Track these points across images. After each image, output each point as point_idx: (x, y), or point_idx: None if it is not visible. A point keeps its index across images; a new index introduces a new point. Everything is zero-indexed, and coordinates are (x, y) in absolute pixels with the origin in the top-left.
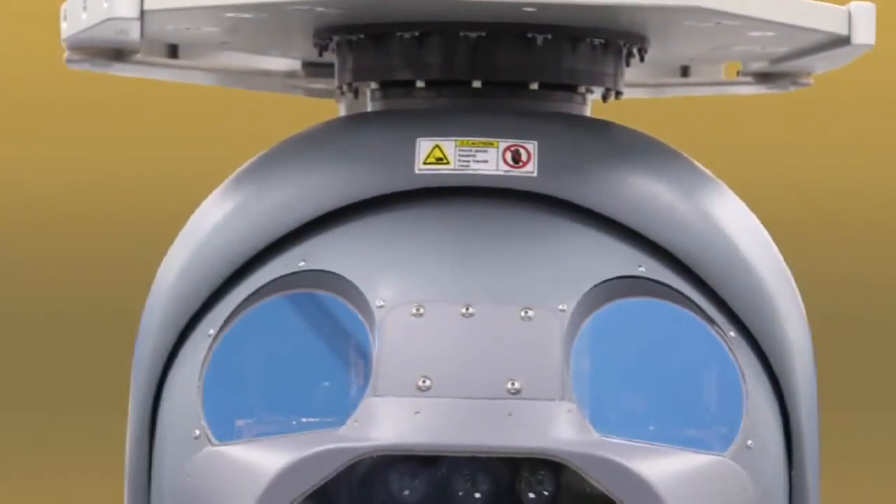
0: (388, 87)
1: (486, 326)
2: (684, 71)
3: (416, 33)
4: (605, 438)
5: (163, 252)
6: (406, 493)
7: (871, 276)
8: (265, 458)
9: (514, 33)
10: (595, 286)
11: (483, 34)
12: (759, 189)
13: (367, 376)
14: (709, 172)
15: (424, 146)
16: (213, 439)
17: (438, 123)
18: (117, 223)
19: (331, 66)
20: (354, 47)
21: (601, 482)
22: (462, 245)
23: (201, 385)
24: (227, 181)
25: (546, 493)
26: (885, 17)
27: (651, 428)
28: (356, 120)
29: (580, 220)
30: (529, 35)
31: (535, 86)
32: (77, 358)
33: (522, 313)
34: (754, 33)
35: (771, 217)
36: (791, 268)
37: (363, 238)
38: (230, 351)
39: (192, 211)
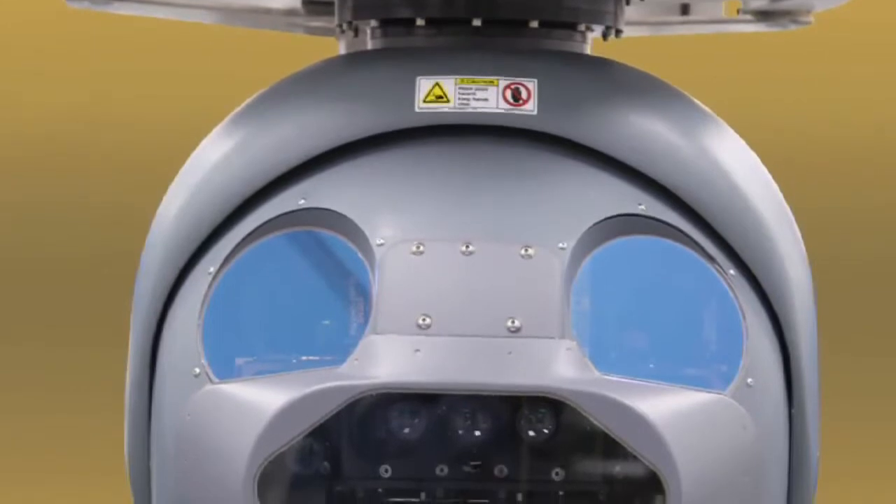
0: (388, 25)
1: (486, 265)
2: (684, 9)
3: None
4: (605, 376)
5: (162, 190)
6: (406, 430)
7: (870, 214)
8: (265, 396)
9: None
10: (595, 224)
11: None
12: (759, 128)
13: (367, 314)
14: (709, 111)
15: (424, 84)
16: (213, 377)
17: (438, 61)
18: (116, 161)
19: (331, 3)
20: None
21: (601, 420)
22: (462, 183)
23: (201, 323)
24: (226, 119)
25: (546, 430)
26: None
27: (651, 366)
28: (356, 58)
29: (580, 158)
30: None
31: (535, 24)
32: (77, 296)
33: (522, 251)
34: None
35: (771, 156)
36: (791, 206)
37: (363, 176)
38: (230, 289)
39: (191, 149)
